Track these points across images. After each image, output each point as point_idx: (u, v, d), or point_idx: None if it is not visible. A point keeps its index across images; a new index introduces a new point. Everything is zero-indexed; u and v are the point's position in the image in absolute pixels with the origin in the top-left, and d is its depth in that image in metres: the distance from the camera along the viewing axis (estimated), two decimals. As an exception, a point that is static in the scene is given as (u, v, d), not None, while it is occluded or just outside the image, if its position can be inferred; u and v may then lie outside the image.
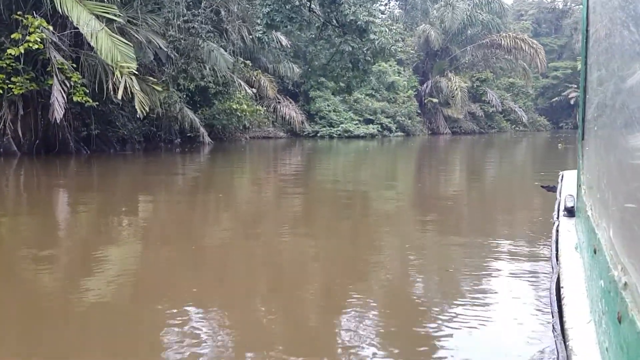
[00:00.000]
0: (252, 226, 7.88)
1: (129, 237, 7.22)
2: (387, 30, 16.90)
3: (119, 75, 15.08)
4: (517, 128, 50.98)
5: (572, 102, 67.60)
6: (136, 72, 15.93)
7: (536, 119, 55.57)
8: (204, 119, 26.26)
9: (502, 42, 42.47)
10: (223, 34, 21.51)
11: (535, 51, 42.85)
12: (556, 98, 68.08)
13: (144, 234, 7.37)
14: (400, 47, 17.38)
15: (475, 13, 42.40)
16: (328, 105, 35.20)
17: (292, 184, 13.31)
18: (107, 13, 15.64)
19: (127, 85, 15.12)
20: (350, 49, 16.44)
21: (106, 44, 15.27)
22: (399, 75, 39.28)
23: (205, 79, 25.92)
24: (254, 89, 27.96)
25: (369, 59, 17.31)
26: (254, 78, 30.62)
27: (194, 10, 17.77)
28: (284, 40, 30.14)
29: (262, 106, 32.92)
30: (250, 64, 29.13)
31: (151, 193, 11.31)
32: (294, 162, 20.47)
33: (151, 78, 17.30)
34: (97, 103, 16.54)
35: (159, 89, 17.17)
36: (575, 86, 67.41)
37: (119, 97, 15.12)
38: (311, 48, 19.76)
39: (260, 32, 15.83)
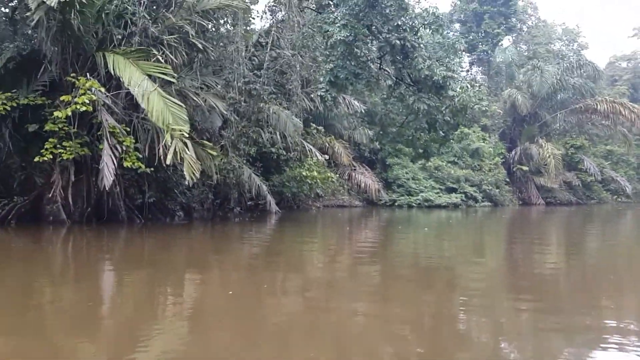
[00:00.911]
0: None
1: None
2: (469, 86, 14.41)
3: (169, 139, 13.56)
4: (619, 199, 45.46)
5: (679, 170, 60.60)
6: (190, 136, 14.41)
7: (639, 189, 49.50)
8: (273, 187, 24.56)
9: (599, 107, 38.37)
10: (288, 96, 19.93)
11: (638, 116, 38.22)
12: (661, 167, 61.31)
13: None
14: (485, 106, 14.72)
15: (565, 77, 38.95)
16: (406, 173, 32.59)
17: (367, 261, 11.00)
18: (162, 74, 14.42)
19: (178, 150, 13.54)
20: (426, 107, 14.05)
21: (158, 106, 13.93)
22: (483, 142, 36.14)
23: (275, 145, 24.49)
24: (326, 156, 26.11)
25: (448, 118, 14.80)
26: (327, 144, 28.89)
27: (256, 72, 16.30)
28: (357, 105, 28.38)
29: (336, 174, 31.03)
30: (323, 130, 27.48)
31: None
32: (368, 235, 17.96)
33: (207, 142, 15.75)
34: (151, 169, 15.15)
35: (214, 153, 15.54)
36: (682, 153, 60.63)
37: (168, 161, 13.54)
38: (382, 108, 17.58)
39: (323, 90, 13.88)
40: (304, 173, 23.86)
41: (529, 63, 39.74)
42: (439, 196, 31.85)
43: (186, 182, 13.85)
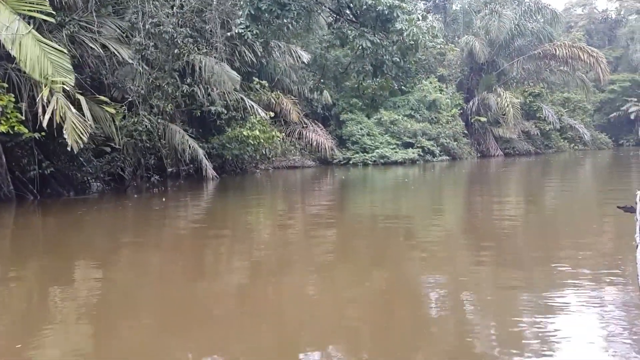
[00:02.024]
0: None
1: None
2: (420, 18, 11.59)
3: (46, 94, 10.41)
4: (576, 147, 44.17)
5: (632, 117, 59.97)
6: (87, 91, 11.26)
7: (597, 137, 48.37)
8: (213, 149, 21.56)
9: (557, 52, 36.22)
10: (209, 40, 16.68)
11: (596, 60, 36.36)
12: (614, 113, 60.38)
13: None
14: (440, 45, 11.97)
15: (523, 22, 36.52)
16: (361, 129, 29.90)
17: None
18: (35, 11, 11.09)
19: (59, 108, 10.41)
20: (370, 44, 11.22)
21: (33, 53, 10.69)
22: (441, 93, 33.63)
23: (215, 104, 21.37)
24: (271, 113, 23.08)
25: (397, 59, 12.02)
26: (274, 101, 25.83)
27: (168, 11, 13.04)
28: (305, 56, 25.28)
29: (284, 132, 28.12)
30: (267, 85, 24.37)
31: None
32: (314, 199, 15.35)
33: (104, 98, 12.50)
34: (42, 133, 11.95)
35: (112, 111, 12.39)
36: (636, 99, 59.86)
37: (45, 123, 10.42)
38: (319, 49, 14.67)
39: (242, 26, 10.86)
40: (245, 133, 20.87)
41: (486, 8, 37.02)
42: (395, 152, 29.38)
43: (68, 149, 10.72)
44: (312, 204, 14.52)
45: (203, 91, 21.28)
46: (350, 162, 28.85)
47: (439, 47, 12.57)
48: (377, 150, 29.02)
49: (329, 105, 31.32)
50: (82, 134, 10.54)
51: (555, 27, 37.78)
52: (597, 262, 6.67)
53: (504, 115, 35.12)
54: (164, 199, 14.16)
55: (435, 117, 32.71)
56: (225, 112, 22.43)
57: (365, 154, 29.15)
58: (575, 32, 58.92)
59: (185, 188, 17.84)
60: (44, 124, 10.41)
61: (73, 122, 10.40)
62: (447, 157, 32.17)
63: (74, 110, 10.55)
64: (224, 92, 21.60)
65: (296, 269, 6.88)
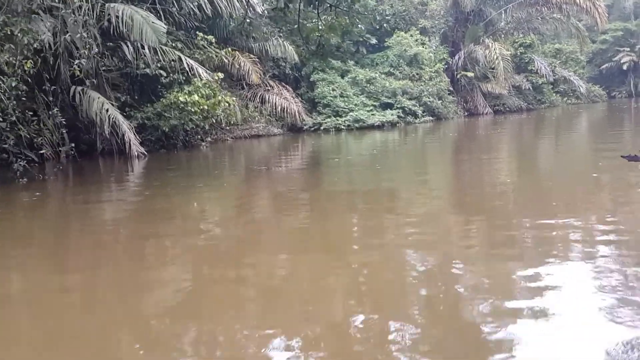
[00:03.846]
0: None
1: None
2: None
3: None
4: (569, 101, 40.00)
5: (625, 67, 55.61)
6: None
7: (590, 89, 44.05)
8: (148, 120, 17.36)
9: (550, -4, 31.63)
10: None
11: (593, 4, 31.80)
12: (606, 64, 55.92)
13: None
14: None
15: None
16: (333, 90, 25.57)
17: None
18: None
19: None
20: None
21: None
22: (422, 47, 29.12)
23: (152, 65, 17.10)
24: (219, 74, 18.67)
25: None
26: (227, 60, 21.41)
27: None
28: (259, 7, 20.73)
29: (245, 97, 23.81)
30: (214, 40, 19.87)
31: None
32: (237, 184, 11.30)
33: None
34: None
35: None
36: (629, 49, 55.40)
37: None
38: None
39: None
40: (181, 98, 16.59)
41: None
42: (372, 114, 25.14)
43: None
44: (227, 195, 10.46)
45: (131, 48, 16.96)
46: (322, 127, 24.64)
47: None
48: (351, 114, 24.79)
49: (299, 66, 26.93)
50: None
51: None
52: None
53: (493, 69, 30.74)
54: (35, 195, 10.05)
55: (417, 74, 28.32)
56: (165, 74, 18.18)
57: (338, 117, 24.92)
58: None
59: (78, 172, 13.72)
60: None
61: None
62: (431, 118, 27.96)
63: None
64: (161, 52, 17.27)
65: None
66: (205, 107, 17.24)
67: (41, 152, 12.81)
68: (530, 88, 34.31)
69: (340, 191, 9.65)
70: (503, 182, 9.80)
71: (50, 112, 15.06)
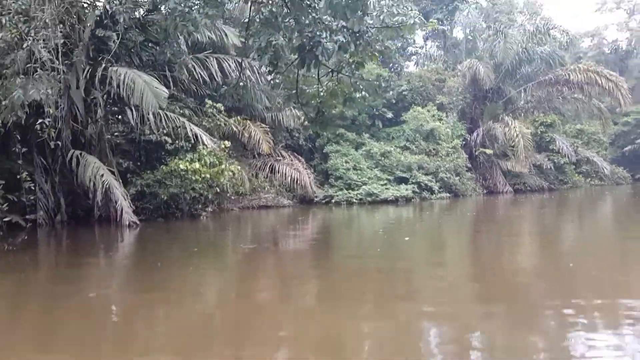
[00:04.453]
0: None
1: None
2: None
3: None
4: (593, 182, 38.27)
5: (649, 150, 54.00)
6: None
7: (614, 171, 42.38)
8: (147, 187, 16.37)
9: (571, 76, 30.78)
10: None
11: (615, 85, 30.85)
12: (629, 147, 54.45)
13: None
14: (418, 16, 6.64)
15: (531, 45, 31.28)
16: (346, 162, 24.60)
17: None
18: None
19: None
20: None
21: None
22: (440, 122, 28.32)
23: (159, 131, 16.44)
24: (227, 142, 17.88)
25: (343, 38, 6.80)
26: (236, 129, 20.71)
27: None
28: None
29: (255, 166, 22.93)
30: (222, 107, 19.23)
31: None
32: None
33: None
34: None
35: None
36: (652, 132, 54.09)
37: None
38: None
39: None
40: (181, 166, 15.66)
41: (490, 29, 32.02)
42: (386, 188, 23.90)
43: None
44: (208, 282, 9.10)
45: (135, 113, 16.34)
46: (333, 200, 23.42)
47: (416, 20, 7.19)
48: (363, 187, 23.60)
49: (314, 137, 26.26)
50: None
51: (568, 50, 32.51)
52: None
53: (513, 147, 29.55)
54: None
55: (434, 149, 27.31)
56: (170, 141, 17.46)
57: (350, 190, 23.73)
58: (585, 62, 53.69)
59: (61, 239, 12.57)
60: None
61: None
62: (448, 194, 26.56)
63: None
64: (165, 117, 16.61)
65: None
66: (208, 175, 16.27)
67: (29, 217, 11.71)
68: (552, 168, 32.86)
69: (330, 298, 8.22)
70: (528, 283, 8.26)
71: (46, 177, 14.23)
